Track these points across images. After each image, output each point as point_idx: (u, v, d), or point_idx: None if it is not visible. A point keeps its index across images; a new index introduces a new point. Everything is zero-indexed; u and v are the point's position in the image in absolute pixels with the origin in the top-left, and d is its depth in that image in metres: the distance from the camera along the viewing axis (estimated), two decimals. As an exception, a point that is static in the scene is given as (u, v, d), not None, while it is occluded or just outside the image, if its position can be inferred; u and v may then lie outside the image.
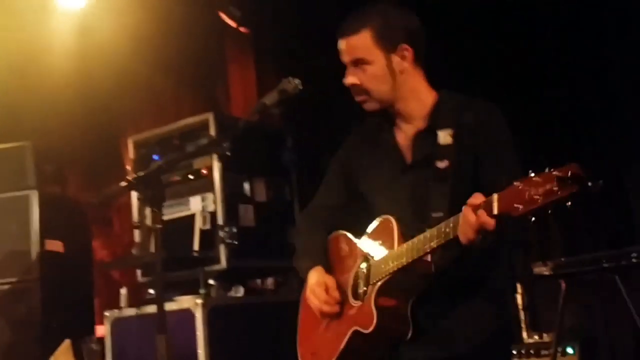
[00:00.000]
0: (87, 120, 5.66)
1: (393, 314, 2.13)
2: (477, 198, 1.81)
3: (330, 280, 2.30)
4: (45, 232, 4.53)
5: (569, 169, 1.62)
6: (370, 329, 2.12)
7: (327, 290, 2.28)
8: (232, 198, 4.07)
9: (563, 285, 3.59)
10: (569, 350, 3.54)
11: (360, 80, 2.25)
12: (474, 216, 1.80)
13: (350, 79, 2.27)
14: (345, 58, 2.28)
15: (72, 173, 5.37)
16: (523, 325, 3.95)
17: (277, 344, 4.07)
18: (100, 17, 5.28)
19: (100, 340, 4.28)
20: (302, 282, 4.37)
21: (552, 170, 1.64)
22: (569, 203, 1.63)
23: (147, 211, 4.20)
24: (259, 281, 4.54)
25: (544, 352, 3.60)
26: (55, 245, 4.62)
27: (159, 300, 2.43)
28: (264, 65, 5.22)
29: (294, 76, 2.44)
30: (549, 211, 1.67)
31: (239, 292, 4.10)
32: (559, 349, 3.51)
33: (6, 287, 4.46)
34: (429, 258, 2.06)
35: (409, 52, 2.23)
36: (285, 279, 4.43)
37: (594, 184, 1.61)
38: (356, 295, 2.25)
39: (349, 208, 2.43)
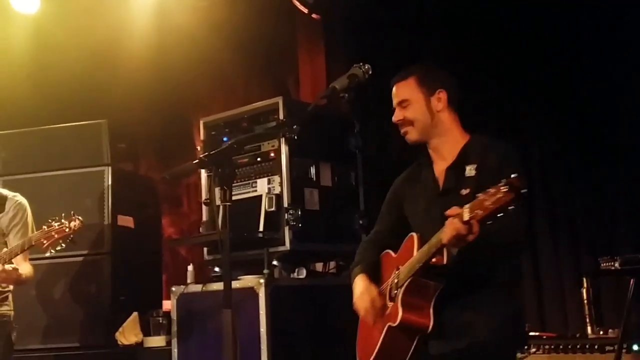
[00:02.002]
0: (160, 101, 5.80)
1: (416, 310, 2.56)
2: (454, 210, 2.31)
3: (373, 290, 2.78)
4: (117, 207, 4.65)
5: (510, 181, 2.14)
6: (397, 322, 2.56)
7: (371, 300, 2.75)
8: (298, 181, 4.13)
9: (631, 281, 3.51)
10: (635, 347, 3.46)
11: (404, 115, 2.75)
12: (452, 224, 2.30)
13: (397, 115, 2.77)
14: (395, 100, 2.78)
15: (144, 152, 5.51)
16: (588, 320, 3.88)
17: (336, 327, 4.12)
18: (177, 2, 5.40)
19: (167, 315, 4.39)
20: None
21: (499, 183, 2.16)
22: (512, 207, 2.15)
23: (216, 190, 4.29)
24: (321, 264, 4.58)
25: (608, 348, 3.52)
26: (126, 221, 4.73)
27: (227, 276, 2.50)
28: (333, 52, 5.23)
29: (363, 63, 2.62)
30: (500, 214, 2.18)
31: (302, 274, 4.15)
32: (624, 346, 3.44)
33: (79, 259, 4.59)
34: (443, 260, 2.49)
35: (443, 95, 2.74)
36: (347, 263, 4.46)
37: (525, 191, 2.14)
38: (391, 298, 2.71)
39: (398, 231, 2.85)
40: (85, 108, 5.46)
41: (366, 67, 2.63)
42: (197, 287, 4.16)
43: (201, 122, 4.53)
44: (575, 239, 4.48)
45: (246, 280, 3.89)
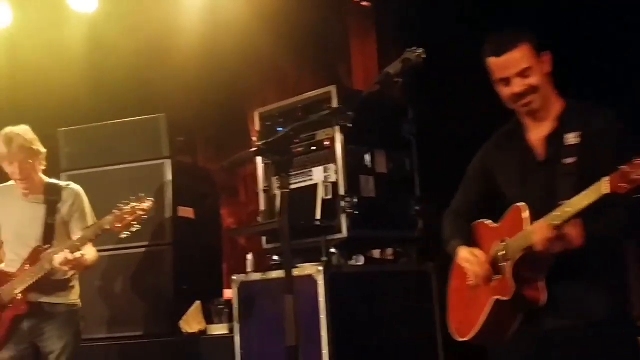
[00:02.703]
0: (215, 94, 5.89)
1: (529, 284, 2.51)
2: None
3: (480, 252, 2.71)
4: (178, 199, 4.73)
5: None
6: (509, 296, 2.51)
7: (480, 264, 2.67)
8: (354, 169, 4.14)
9: None
10: None
11: (529, 84, 2.61)
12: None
13: (519, 85, 2.61)
14: (508, 72, 2.62)
15: (202, 144, 5.60)
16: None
17: (394, 313, 4.15)
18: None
19: (228, 303, 4.46)
20: (421, 253, 4.43)
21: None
22: None
23: (273, 179, 4.37)
24: (378, 251, 4.60)
25: None
26: (186, 212, 4.82)
27: (288, 262, 2.54)
28: (385, 39, 5.22)
29: (417, 47, 2.59)
30: None
31: (359, 261, 4.18)
32: None
33: (141, 250, 4.70)
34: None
35: (548, 58, 2.64)
36: (404, 250, 4.47)
37: None
38: (496, 270, 2.63)
39: (485, 202, 2.83)
40: (142, 103, 5.59)
41: (420, 51, 2.58)
42: (257, 276, 4.23)
43: (256, 113, 4.59)
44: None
45: (305, 268, 3.93)
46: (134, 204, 3.74)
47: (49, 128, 4.03)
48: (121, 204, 3.75)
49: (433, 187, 4.64)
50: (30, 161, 3.93)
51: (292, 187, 4.09)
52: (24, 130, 3.95)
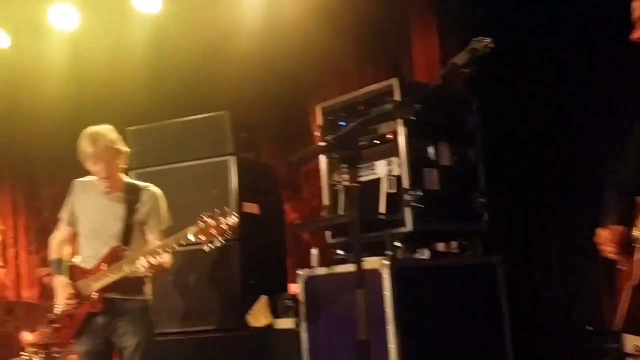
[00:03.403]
0: (276, 90, 5.92)
1: None
2: None
3: (614, 231, 2.64)
4: (242, 195, 4.78)
5: None
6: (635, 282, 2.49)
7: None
8: (417, 162, 4.13)
9: None
10: None
11: None
12: None
13: None
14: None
15: (264, 140, 5.65)
16: None
17: (460, 306, 4.12)
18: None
19: (293, 297, 4.51)
20: (487, 246, 4.38)
21: None
22: None
23: (336, 174, 4.38)
24: (442, 244, 4.57)
25: None
26: (251, 208, 4.87)
27: (358, 256, 2.56)
28: (447, 31, 5.16)
29: (483, 37, 2.53)
30: None
31: (424, 254, 4.16)
32: None
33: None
34: None
35: None
36: (469, 242, 4.43)
37: None
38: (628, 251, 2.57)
39: None
40: (205, 101, 5.67)
41: (487, 40, 2.52)
42: (323, 270, 4.26)
43: (318, 108, 4.60)
44: None
45: (369, 262, 3.92)
46: (220, 218, 3.70)
47: (115, 127, 4.10)
48: (205, 215, 3.71)
49: (498, 179, 4.59)
50: (114, 161, 4.00)
51: (356, 181, 4.17)
52: (108, 130, 4.01)
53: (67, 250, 4.14)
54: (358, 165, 2.59)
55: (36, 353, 5.43)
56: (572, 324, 4.45)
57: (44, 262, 6.59)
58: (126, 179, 4.15)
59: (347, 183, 2.47)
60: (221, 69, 5.98)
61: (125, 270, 3.84)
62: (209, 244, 3.72)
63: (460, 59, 2.52)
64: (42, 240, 7.19)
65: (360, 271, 2.49)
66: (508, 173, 4.72)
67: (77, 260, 4.07)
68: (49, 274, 6.19)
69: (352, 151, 2.54)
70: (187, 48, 6.07)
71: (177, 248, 3.84)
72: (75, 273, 4.01)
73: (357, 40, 5.69)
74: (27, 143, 7.38)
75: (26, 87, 6.74)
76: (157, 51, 6.04)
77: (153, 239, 4.00)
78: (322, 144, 2.62)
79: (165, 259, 3.88)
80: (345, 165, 2.55)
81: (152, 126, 5.10)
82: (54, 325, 4.07)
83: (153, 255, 3.78)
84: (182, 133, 4.98)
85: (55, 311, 4.02)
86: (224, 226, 3.69)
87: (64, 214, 4.18)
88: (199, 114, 5.00)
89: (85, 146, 3.94)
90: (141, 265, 3.77)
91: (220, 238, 3.70)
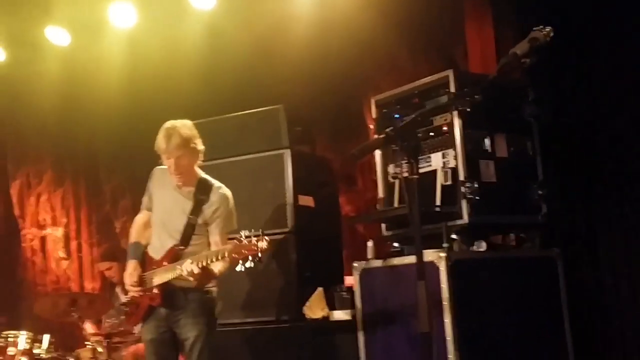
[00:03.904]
0: (330, 84, 5.94)
1: None
2: None
3: None
4: (298, 188, 4.79)
5: None
6: None
7: None
8: (473, 154, 4.10)
9: None
10: None
11: None
12: None
13: None
14: None
15: (319, 133, 5.66)
16: None
17: (518, 299, 4.08)
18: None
19: (349, 289, 4.52)
20: (546, 239, 4.32)
21: None
22: None
23: (390, 166, 4.38)
24: (500, 237, 4.52)
25: None
26: (307, 201, 4.88)
27: (419, 249, 2.57)
28: (502, 21, 5.10)
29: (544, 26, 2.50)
30: None
31: (481, 247, 4.12)
32: None
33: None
34: None
35: None
36: (527, 235, 4.38)
37: None
38: None
39: None
40: (259, 95, 5.73)
41: (547, 29, 2.49)
42: (378, 262, 4.27)
43: (372, 101, 4.61)
44: None
45: (426, 254, 3.90)
46: (253, 241, 3.69)
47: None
48: (243, 233, 3.72)
49: (556, 171, 4.52)
50: (186, 158, 4.01)
51: (411, 173, 4.16)
52: (184, 127, 4.02)
53: (148, 233, 4.20)
54: (418, 157, 2.57)
55: (99, 342, 5.61)
56: (636, 320, 4.34)
57: (104, 256, 6.78)
58: (201, 174, 4.16)
59: (406, 175, 2.45)
60: (275, 64, 6.02)
61: (178, 272, 3.87)
62: (242, 263, 3.72)
63: (521, 48, 2.49)
64: (103, 233, 7.41)
65: (421, 263, 2.48)
66: (567, 165, 4.63)
67: (149, 247, 4.15)
68: (108, 268, 6.41)
69: (412, 143, 2.53)
70: (242, 43, 6.13)
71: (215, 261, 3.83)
72: (146, 260, 4.10)
73: (410, 32, 5.66)
74: (89, 139, 7.59)
75: (86, 85, 6.92)
76: (212, 47, 6.12)
77: (215, 243, 4.03)
78: (381, 136, 2.60)
79: (216, 266, 3.89)
80: (405, 157, 2.54)
81: (208, 121, 5.14)
82: (124, 309, 4.21)
83: (198, 262, 3.79)
84: (238, 127, 5.03)
85: (125, 298, 4.14)
86: (255, 249, 3.69)
87: (144, 199, 4.27)
88: (254, 109, 5.04)
89: (159, 140, 3.99)
90: (187, 269, 3.78)
91: (250, 259, 3.70)
